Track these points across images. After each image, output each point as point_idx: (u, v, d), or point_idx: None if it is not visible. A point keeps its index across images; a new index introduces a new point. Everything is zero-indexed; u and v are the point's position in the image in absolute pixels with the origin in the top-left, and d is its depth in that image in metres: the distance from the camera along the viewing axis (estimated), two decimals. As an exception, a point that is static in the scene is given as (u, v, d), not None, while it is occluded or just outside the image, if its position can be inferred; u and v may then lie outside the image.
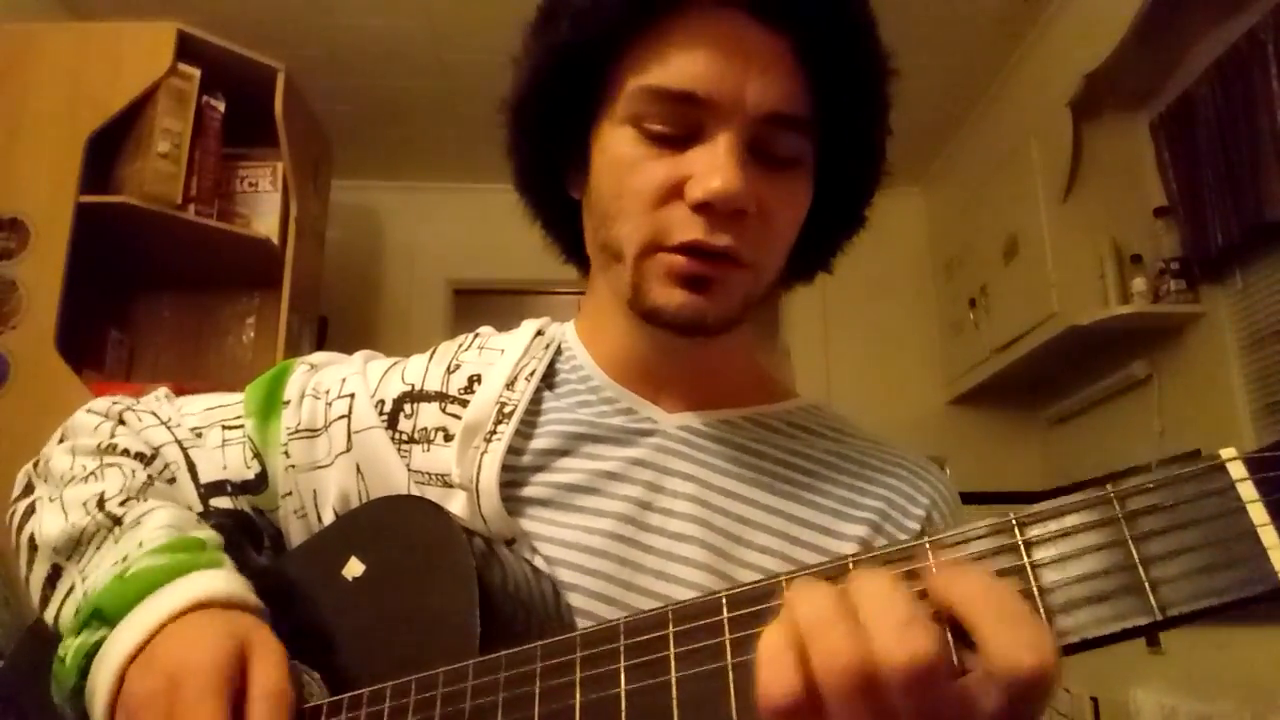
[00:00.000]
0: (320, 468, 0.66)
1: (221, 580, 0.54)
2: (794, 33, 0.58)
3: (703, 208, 0.56)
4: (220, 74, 2.21)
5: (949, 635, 0.33)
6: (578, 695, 0.40)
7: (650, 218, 0.58)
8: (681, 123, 0.57)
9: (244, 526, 0.67)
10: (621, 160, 0.59)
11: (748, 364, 0.71)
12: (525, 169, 0.68)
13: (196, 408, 0.71)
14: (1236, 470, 0.29)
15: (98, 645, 0.52)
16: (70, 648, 0.53)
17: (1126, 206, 2.57)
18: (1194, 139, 2.31)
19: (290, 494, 0.67)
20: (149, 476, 0.64)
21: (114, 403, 0.71)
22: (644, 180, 0.58)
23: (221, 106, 2.21)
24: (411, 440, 0.65)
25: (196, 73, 2.14)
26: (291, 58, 2.36)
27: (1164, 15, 2.21)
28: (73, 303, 2.00)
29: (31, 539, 0.61)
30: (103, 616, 0.53)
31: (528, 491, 0.62)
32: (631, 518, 0.61)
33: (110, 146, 2.10)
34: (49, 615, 0.58)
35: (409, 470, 0.64)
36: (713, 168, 0.55)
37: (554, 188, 0.67)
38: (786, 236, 0.62)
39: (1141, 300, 2.42)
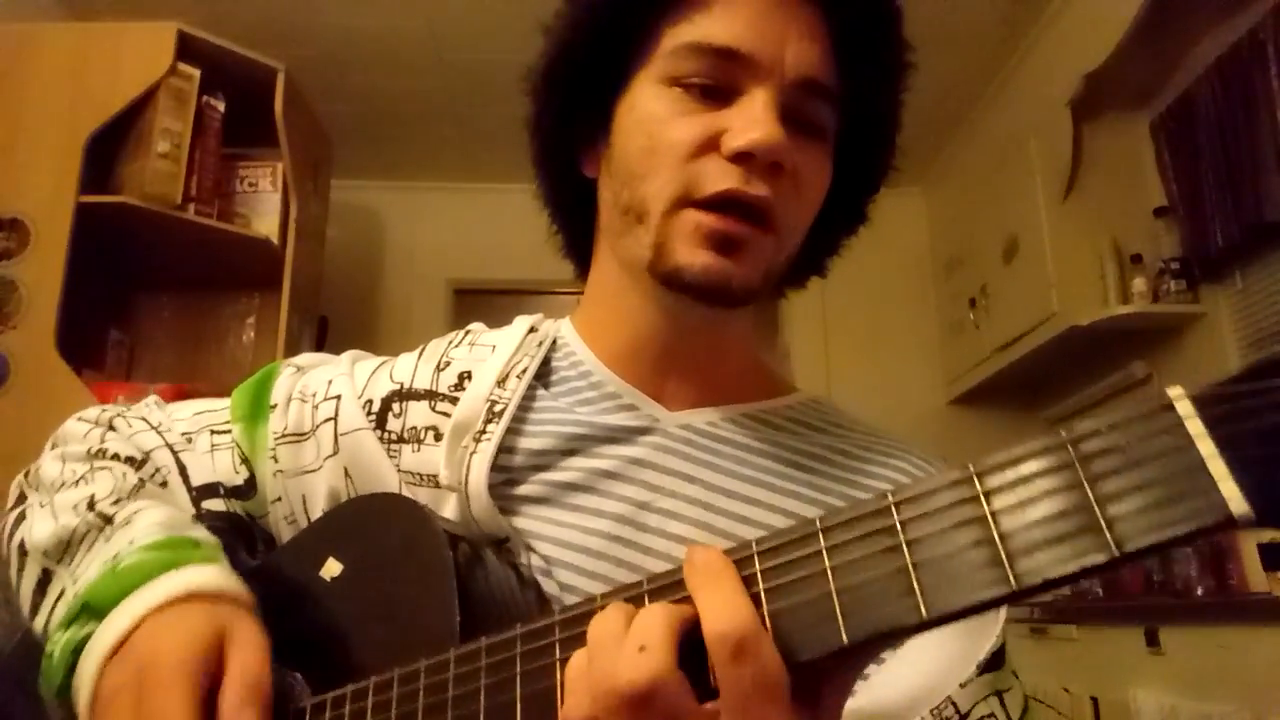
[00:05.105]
0: (308, 472, 0.65)
1: (211, 573, 0.53)
2: (830, 8, 0.59)
3: (741, 158, 0.56)
4: (220, 74, 2.21)
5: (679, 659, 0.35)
6: (558, 675, 0.40)
7: (683, 170, 0.57)
8: (719, 80, 0.58)
9: (237, 528, 0.66)
10: (655, 116, 0.59)
11: (750, 357, 0.70)
12: (545, 141, 0.67)
13: (185, 413, 0.70)
14: (1184, 407, 0.30)
15: (85, 640, 0.50)
16: (58, 643, 0.51)
17: (1126, 206, 2.58)
18: (1194, 139, 2.31)
19: (279, 500, 0.66)
20: (140, 480, 0.63)
21: (104, 410, 0.70)
22: (679, 134, 0.57)
23: (221, 106, 2.22)
24: (401, 440, 0.64)
25: (196, 73, 2.15)
26: (291, 58, 2.36)
27: (1164, 15, 2.22)
28: (73, 303, 2.00)
29: (21, 545, 0.59)
30: (91, 610, 0.51)
31: (523, 490, 0.61)
32: (629, 519, 0.59)
33: (110, 146, 2.11)
34: (39, 622, 0.56)
35: (399, 471, 0.63)
36: (752, 120, 0.55)
37: (570, 165, 0.67)
38: (812, 207, 0.62)
39: (1141, 300, 2.42)
